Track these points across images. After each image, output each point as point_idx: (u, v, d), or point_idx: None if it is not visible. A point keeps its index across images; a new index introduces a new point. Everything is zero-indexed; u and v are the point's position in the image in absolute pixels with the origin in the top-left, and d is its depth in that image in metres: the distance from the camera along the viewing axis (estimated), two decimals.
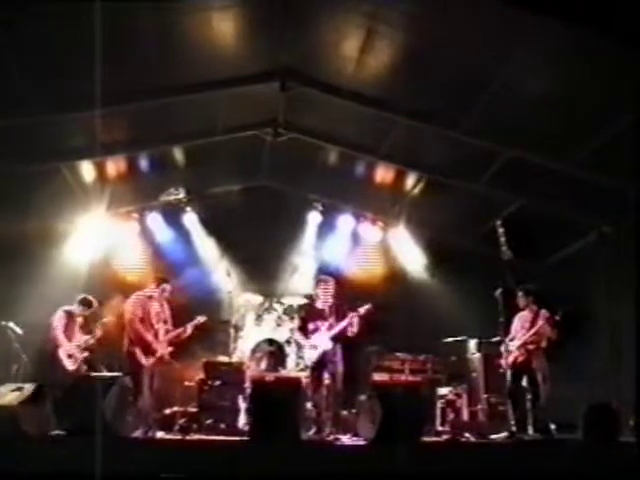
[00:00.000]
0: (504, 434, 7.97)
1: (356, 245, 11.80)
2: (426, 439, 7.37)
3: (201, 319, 8.97)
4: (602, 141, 7.76)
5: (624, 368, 8.81)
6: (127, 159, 9.78)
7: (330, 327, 8.25)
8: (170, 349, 8.64)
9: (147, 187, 10.77)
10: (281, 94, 8.64)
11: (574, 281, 9.78)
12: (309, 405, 8.33)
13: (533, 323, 8.23)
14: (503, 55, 6.96)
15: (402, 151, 9.64)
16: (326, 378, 8.27)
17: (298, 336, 8.93)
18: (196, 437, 7.94)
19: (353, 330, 8.23)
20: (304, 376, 8.53)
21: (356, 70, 8.00)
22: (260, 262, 10.99)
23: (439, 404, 9.39)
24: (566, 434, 7.79)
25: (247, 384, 8.71)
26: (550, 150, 8.28)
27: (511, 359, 8.21)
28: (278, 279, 11.10)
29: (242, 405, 8.73)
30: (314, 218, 11.48)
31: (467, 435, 8.29)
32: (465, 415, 9.44)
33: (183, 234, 11.28)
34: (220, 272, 10.76)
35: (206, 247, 11.28)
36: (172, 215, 11.16)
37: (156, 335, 8.50)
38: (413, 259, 11.57)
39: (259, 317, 10.19)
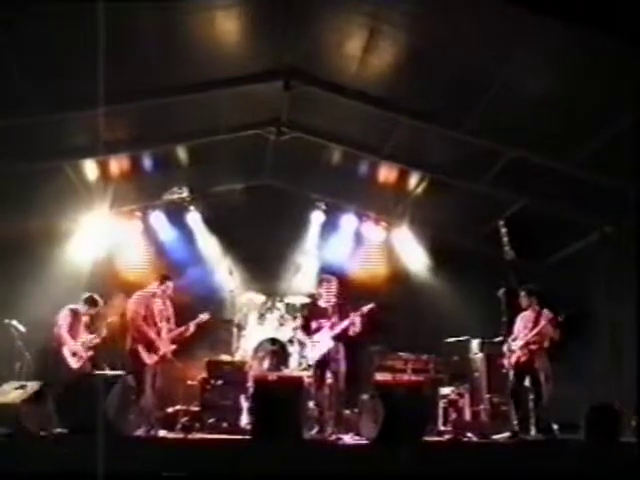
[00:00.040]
0: (506, 434, 7.99)
1: (359, 245, 11.79)
2: (428, 439, 7.39)
3: (204, 317, 8.98)
4: (602, 141, 7.74)
5: (625, 368, 8.81)
6: (130, 158, 9.78)
7: (333, 326, 8.25)
8: (173, 347, 8.65)
9: (150, 186, 10.78)
10: (284, 93, 8.63)
11: (575, 281, 9.77)
12: (311, 404, 8.32)
13: (536, 323, 8.22)
14: (504, 55, 6.95)
15: (405, 151, 9.64)
16: (329, 377, 8.27)
17: (301, 335, 8.94)
18: (198, 436, 7.93)
19: (356, 329, 8.23)
20: (306, 375, 8.51)
21: (359, 69, 7.99)
22: (263, 261, 11.00)
23: (441, 404, 9.40)
24: (568, 434, 7.77)
25: (250, 383, 8.72)
26: (550, 150, 8.27)
27: (513, 359, 8.22)
28: (281, 278, 11.10)
29: (244, 404, 8.75)
30: (317, 217, 11.48)
31: (469, 435, 8.28)
32: (467, 415, 9.43)
33: (186, 233, 11.28)
34: (223, 271, 10.78)
35: (209, 246, 11.29)
36: (175, 214, 11.17)
37: (159, 333, 8.51)
38: (416, 259, 11.56)
39: (262, 316, 10.19)
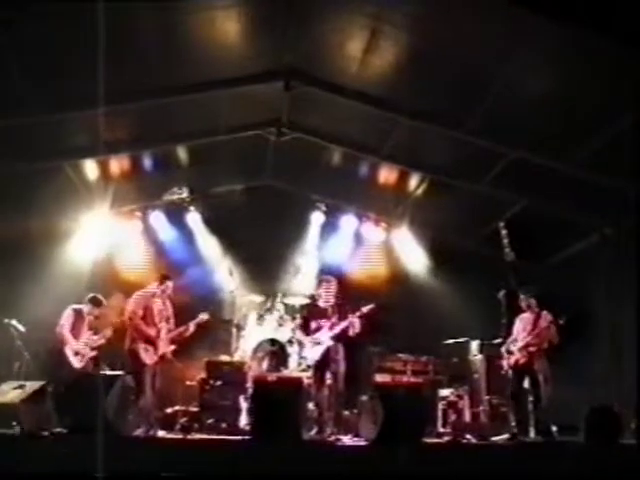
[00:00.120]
0: (505, 436, 7.98)
1: (359, 245, 11.79)
2: (427, 440, 7.38)
3: (204, 316, 8.95)
4: (602, 141, 7.75)
5: (625, 370, 8.80)
6: (130, 158, 9.79)
7: (332, 327, 8.23)
8: (172, 347, 8.63)
9: (150, 186, 10.79)
10: (285, 93, 8.64)
11: (575, 282, 9.77)
12: (311, 405, 8.30)
13: (535, 325, 8.20)
14: (504, 55, 6.96)
15: (405, 151, 9.64)
16: (328, 378, 8.24)
17: (300, 335, 8.92)
18: (197, 436, 7.93)
19: (355, 330, 8.20)
20: (306, 376, 8.50)
21: (360, 70, 7.99)
22: (263, 262, 11.01)
23: (441, 405, 9.40)
24: (568, 436, 7.76)
25: (249, 384, 8.70)
26: (550, 150, 8.27)
27: (513, 361, 8.21)
28: (280, 279, 11.08)
29: (244, 405, 8.74)
30: (317, 218, 11.48)
31: (468, 436, 8.27)
32: (467, 416, 9.43)
33: (186, 233, 11.29)
34: (222, 271, 10.78)
35: (209, 246, 11.30)
36: (175, 214, 11.18)
37: (158, 333, 8.49)
38: (416, 260, 11.56)
39: (261, 317, 10.18)
